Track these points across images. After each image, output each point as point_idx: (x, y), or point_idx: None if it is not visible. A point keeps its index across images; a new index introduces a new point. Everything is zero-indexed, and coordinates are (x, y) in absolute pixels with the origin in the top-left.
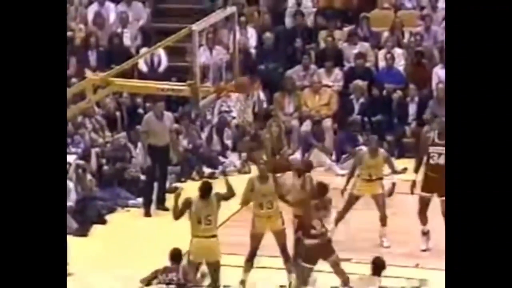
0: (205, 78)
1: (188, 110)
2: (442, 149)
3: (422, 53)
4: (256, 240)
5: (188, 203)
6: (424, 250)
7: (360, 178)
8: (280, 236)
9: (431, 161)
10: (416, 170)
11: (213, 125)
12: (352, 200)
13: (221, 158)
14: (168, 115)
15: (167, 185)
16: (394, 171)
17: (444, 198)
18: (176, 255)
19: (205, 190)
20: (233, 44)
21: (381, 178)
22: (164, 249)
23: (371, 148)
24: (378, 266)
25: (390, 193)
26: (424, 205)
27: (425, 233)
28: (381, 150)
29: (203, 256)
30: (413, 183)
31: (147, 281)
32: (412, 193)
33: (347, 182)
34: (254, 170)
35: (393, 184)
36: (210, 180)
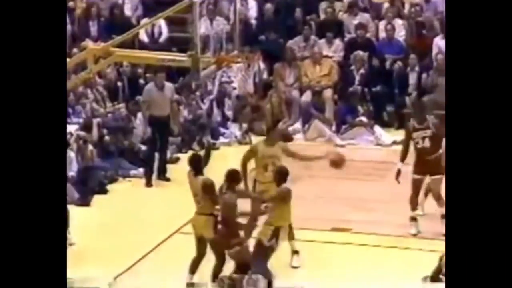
0: (205, 49)
1: (189, 80)
2: (424, 133)
3: (423, 24)
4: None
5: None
6: (414, 235)
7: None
8: None
9: (418, 146)
10: (403, 159)
11: (213, 96)
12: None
13: (221, 129)
14: (168, 86)
15: (168, 155)
16: None
17: (434, 177)
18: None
19: (195, 165)
20: (233, 15)
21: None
22: (164, 218)
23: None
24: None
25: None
26: (416, 188)
27: (414, 219)
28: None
29: (198, 230)
30: (398, 171)
31: None
32: (397, 179)
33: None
34: (255, 141)
35: None
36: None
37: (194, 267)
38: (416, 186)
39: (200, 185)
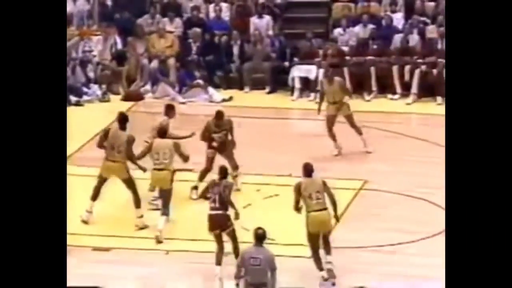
0: (70, 24)
1: None
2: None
3: (242, 6)
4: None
5: (106, 132)
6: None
7: (326, 102)
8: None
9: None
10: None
11: (77, 62)
12: (330, 119)
13: (85, 89)
14: None
15: None
16: (350, 95)
17: None
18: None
19: (122, 121)
20: None
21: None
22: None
23: (328, 77)
24: None
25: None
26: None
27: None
28: (337, 78)
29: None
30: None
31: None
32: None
33: (319, 107)
34: (113, 99)
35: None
36: (75, 107)
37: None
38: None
39: (125, 139)
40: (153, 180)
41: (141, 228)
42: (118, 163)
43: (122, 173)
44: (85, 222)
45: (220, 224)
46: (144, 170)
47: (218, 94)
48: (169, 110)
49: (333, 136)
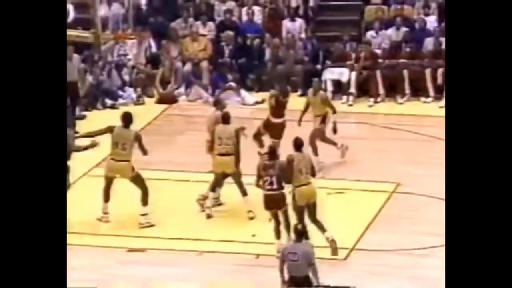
0: (105, 28)
1: (92, 53)
2: None
3: (274, 10)
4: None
5: (110, 129)
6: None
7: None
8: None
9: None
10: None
11: (112, 65)
12: (314, 132)
13: (120, 92)
14: (76, 57)
15: (77, 113)
16: (334, 111)
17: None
18: None
19: (127, 120)
20: (127, 1)
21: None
22: (74, 163)
23: (313, 88)
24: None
25: (334, 130)
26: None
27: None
28: (321, 92)
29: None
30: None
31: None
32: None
33: (300, 117)
34: (148, 102)
35: (334, 123)
36: (111, 110)
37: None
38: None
39: (132, 136)
40: (218, 165)
41: (146, 227)
42: (123, 161)
43: (127, 172)
44: (102, 221)
45: (278, 204)
46: (145, 152)
47: (250, 97)
48: (219, 103)
49: (314, 150)
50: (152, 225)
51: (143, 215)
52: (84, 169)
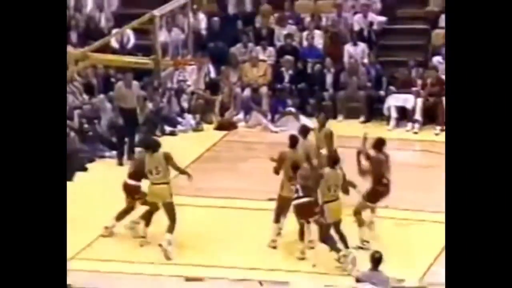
0: (165, 54)
1: (152, 79)
2: None
3: (336, 34)
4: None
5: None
6: None
7: None
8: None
9: None
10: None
11: (172, 92)
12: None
13: (179, 119)
14: (135, 84)
15: (136, 139)
16: (329, 151)
17: None
18: None
19: (152, 146)
20: (187, 26)
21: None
22: None
23: (319, 121)
24: None
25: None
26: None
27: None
28: (327, 127)
29: (157, 199)
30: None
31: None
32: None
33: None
34: (207, 129)
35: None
36: (170, 137)
37: (147, 220)
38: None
39: (161, 156)
40: (336, 212)
41: (165, 255)
42: (161, 184)
43: (165, 196)
44: (141, 245)
45: (308, 212)
46: (189, 175)
47: (310, 123)
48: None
49: None
50: (169, 258)
51: (165, 242)
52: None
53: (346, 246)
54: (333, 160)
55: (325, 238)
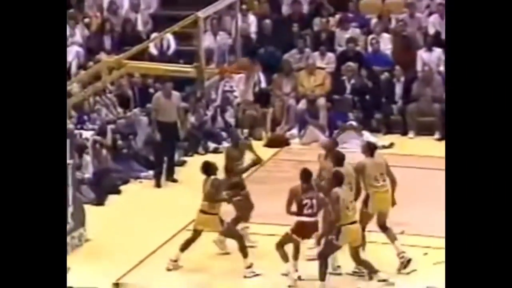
0: (210, 61)
1: (195, 89)
2: None
3: (408, 38)
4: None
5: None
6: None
7: None
8: None
9: None
10: None
11: (217, 104)
12: None
13: (224, 134)
14: (176, 94)
15: (176, 158)
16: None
17: None
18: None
19: (207, 170)
20: (235, 30)
21: None
22: (172, 217)
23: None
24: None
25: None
26: None
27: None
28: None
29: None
30: None
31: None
32: None
33: None
34: (255, 145)
35: None
36: (214, 154)
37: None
38: None
39: (210, 183)
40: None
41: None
42: (209, 214)
43: (215, 226)
44: (169, 269)
45: (312, 233)
46: (229, 202)
47: (375, 140)
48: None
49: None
50: (257, 274)
51: (248, 267)
52: None
53: (373, 271)
54: (339, 179)
55: (324, 256)
